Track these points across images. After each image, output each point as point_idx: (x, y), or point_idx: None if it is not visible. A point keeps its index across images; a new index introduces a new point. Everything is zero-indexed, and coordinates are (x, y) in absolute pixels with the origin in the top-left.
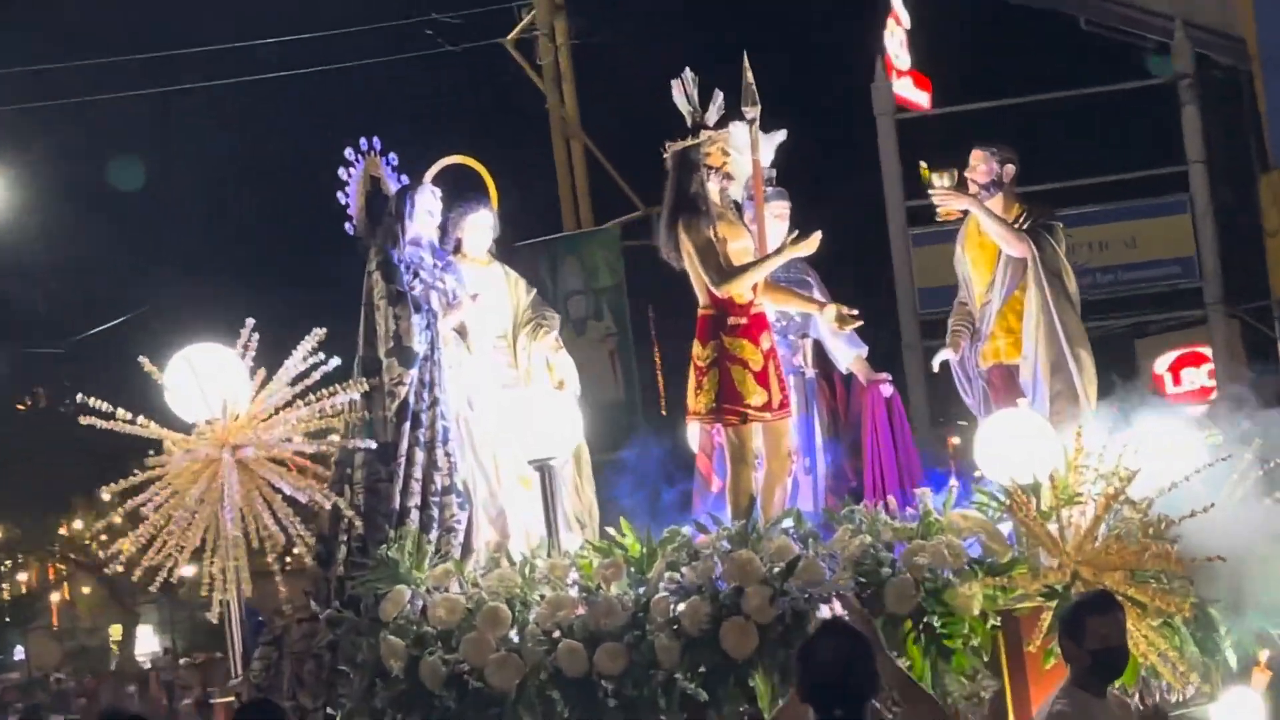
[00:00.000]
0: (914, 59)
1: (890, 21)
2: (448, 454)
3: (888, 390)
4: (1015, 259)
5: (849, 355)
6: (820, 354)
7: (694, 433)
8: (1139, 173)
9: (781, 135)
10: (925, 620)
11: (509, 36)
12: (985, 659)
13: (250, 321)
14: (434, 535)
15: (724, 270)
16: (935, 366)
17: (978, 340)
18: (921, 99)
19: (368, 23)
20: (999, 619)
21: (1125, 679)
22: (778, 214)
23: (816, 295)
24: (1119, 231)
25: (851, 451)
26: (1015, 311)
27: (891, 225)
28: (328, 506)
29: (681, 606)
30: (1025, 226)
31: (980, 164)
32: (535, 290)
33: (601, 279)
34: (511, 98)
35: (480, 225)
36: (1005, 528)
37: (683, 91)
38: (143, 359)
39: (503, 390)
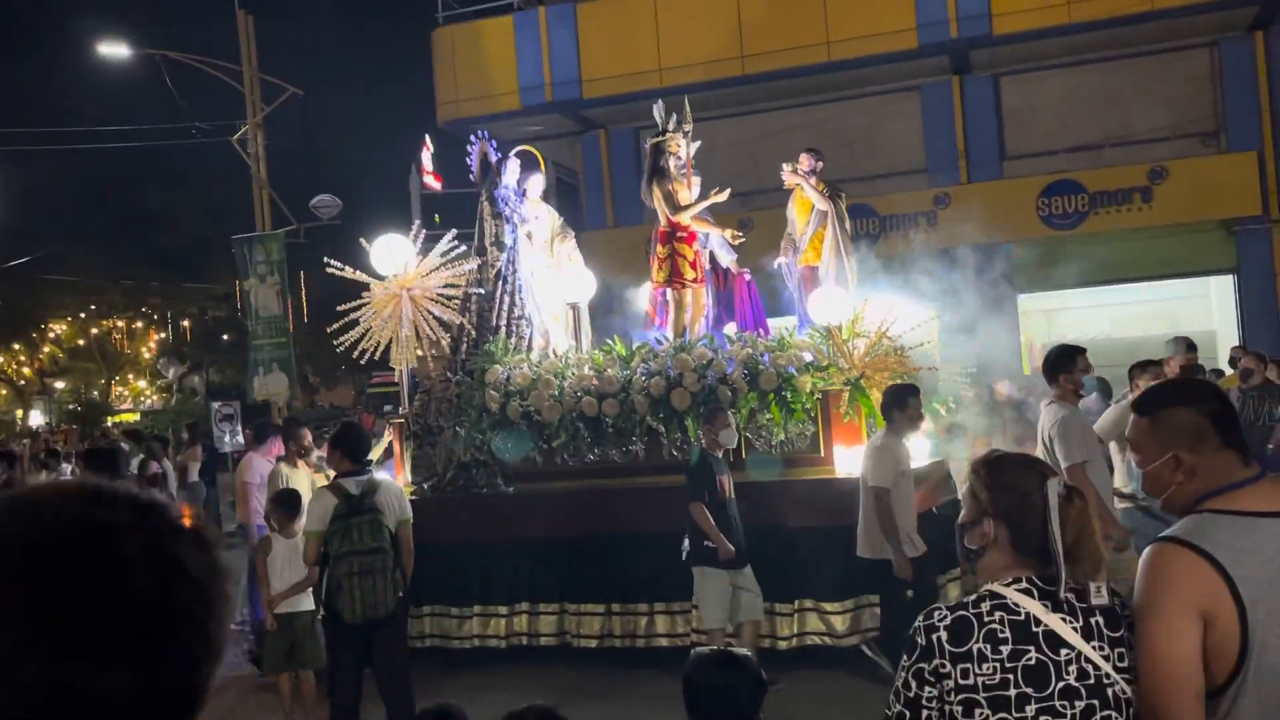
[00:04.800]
0: (435, 165)
1: (423, 147)
2: (520, 299)
3: (748, 278)
4: (820, 210)
5: (728, 258)
6: (711, 257)
7: (645, 294)
8: None
9: (698, 143)
10: (781, 393)
11: (234, 137)
12: (812, 416)
13: (417, 222)
14: (513, 341)
15: (678, 207)
16: (775, 266)
17: (797, 253)
18: (437, 186)
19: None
20: (820, 395)
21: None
22: (695, 183)
23: (712, 223)
24: None
25: (726, 309)
26: (820, 238)
27: None
28: (458, 322)
29: (649, 381)
30: (827, 194)
31: (805, 160)
32: (562, 218)
33: (273, 255)
34: (238, 168)
35: (537, 182)
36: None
37: (657, 112)
38: (362, 239)
39: (544, 269)
